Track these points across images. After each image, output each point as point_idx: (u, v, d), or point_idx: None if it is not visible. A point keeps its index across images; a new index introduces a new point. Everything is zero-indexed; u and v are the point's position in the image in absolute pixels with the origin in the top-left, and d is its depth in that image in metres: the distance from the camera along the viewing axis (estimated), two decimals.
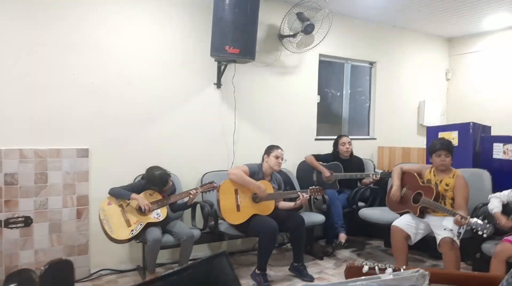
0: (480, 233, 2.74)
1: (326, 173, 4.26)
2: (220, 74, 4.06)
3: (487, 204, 3.22)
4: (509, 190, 3.13)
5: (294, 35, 4.25)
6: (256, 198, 3.46)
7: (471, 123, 4.11)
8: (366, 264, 1.10)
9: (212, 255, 0.71)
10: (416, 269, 0.87)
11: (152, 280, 0.62)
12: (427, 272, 0.85)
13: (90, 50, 3.47)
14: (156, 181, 3.26)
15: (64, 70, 3.38)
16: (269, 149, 3.60)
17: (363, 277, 0.94)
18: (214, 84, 4.08)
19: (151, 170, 3.30)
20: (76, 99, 3.43)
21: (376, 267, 1.07)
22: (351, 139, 4.57)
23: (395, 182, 3.55)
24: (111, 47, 3.57)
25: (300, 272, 3.53)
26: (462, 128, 4.16)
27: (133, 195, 3.17)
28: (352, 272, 1.13)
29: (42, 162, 3.30)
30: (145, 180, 3.32)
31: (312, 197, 3.72)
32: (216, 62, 4.01)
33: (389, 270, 1.01)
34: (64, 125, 3.40)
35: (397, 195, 3.48)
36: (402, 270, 1.00)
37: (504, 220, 2.98)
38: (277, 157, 3.54)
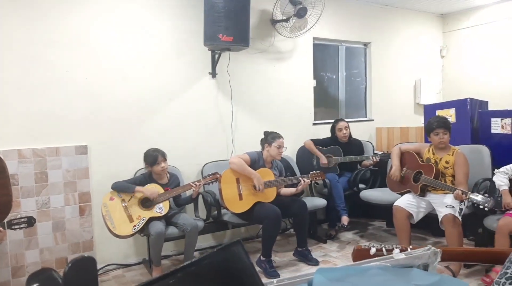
0: (481, 207, 2.76)
1: (324, 160, 4.24)
2: (214, 63, 4.02)
3: (487, 179, 3.22)
4: None
5: (287, 20, 4.20)
6: None
7: (468, 99, 4.11)
8: (373, 246, 1.10)
9: (228, 243, 0.71)
10: (427, 247, 0.88)
11: (172, 272, 0.62)
12: (438, 250, 0.85)
13: (81, 46, 3.42)
14: (148, 156, 3.33)
15: (57, 68, 3.33)
16: (271, 138, 3.56)
17: (376, 258, 0.94)
18: (209, 73, 4.04)
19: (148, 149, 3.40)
20: (71, 96, 3.40)
21: (383, 248, 1.07)
22: (349, 121, 4.56)
23: (394, 162, 3.57)
24: (103, 42, 3.52)
25: (304, 256, 3.56)
26: (460, 105, 4.16)
27: (138, 188, 3.18)
28: (360, 254, 1.12)
29: (41, 161, 3.28)
30: (145, 171, 3.35)
31: (313, 181, 3.73)
32: (210, 51, 3.97)
33: (396, 250, 1.01)
34: (61, 123, 3.37)
35: (397, 175, 3.49)
36: (409, 249, 1.00)
37: (510, 199, 2.96)
38: (279, 147, 3.53)
